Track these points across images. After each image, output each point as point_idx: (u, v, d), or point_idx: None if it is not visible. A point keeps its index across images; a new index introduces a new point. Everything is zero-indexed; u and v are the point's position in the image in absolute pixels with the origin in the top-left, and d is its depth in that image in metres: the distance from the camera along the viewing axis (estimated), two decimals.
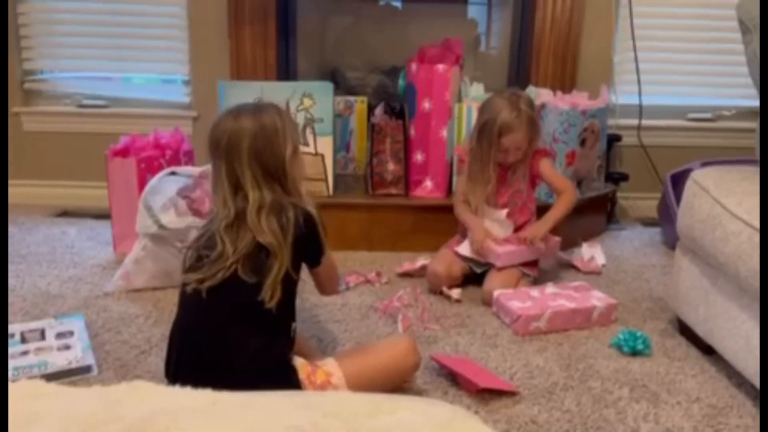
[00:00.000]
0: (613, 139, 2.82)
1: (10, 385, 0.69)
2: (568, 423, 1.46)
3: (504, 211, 2.16)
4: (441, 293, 2.09)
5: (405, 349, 1.52)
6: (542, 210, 2.22)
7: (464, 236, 2.19)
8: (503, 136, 2.06)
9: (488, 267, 2.12)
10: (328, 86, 2.45)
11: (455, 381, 1.60)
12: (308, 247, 1.43)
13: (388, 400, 0.77)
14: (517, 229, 2.19)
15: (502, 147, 2.08)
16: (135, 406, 0.67)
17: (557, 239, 2.19)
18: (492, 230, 2.16)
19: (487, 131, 2.08)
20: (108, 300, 2.00)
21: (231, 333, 1.35)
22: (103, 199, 2.43)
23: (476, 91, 2.51)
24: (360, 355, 1.52)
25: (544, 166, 2.17)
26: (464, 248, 2.16)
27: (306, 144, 2.42)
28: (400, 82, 2.63)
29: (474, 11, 3.06)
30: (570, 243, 2.39)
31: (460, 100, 2.49)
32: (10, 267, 2.23)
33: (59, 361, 1.60)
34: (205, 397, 0.70)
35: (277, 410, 0.68)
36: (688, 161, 2.44)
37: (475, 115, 2.34)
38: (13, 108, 2.93)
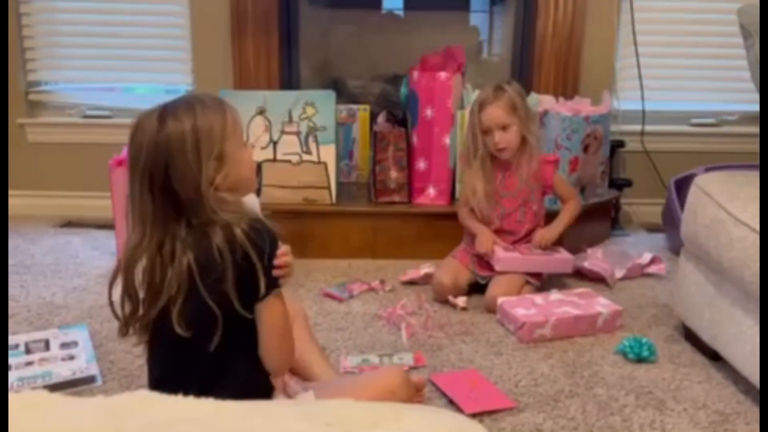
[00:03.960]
0: (616, 145, 2.81)
1: (13, 396, 0.69)
2: (573, 431, 1.45)
3: None
4: (447, 302, 2.08)
5: (392, 384, 1.33)
6: (550, 217, 2.23)
7: (470, 244, 2.19)
8: (482, 110, 2.08)
9: (492, 276, 2.12)
10: (331, 95, 2.45)
11: None
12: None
13: (391, 410, 0.76)
14: (526, 237, 2.19)
15: (483, 126, 2.08)
16: (137, 417, 0.66)
17: (570, 257, 2.17)
18: None
19: (471, 116, 2.11)
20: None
21: None
22: (107, 209, 2.43)
23: None
24: (341, 389, 1.34)
25: (557, 177, 2.22)
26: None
27: (308, 152, 2.43)
28: (403, 90, 2.63)
29: (476, 19, 3.07)
30: (574, 249, 2.38)
31: (462, 107, 2.49)
32: (15, 277, 2.23)
33: (63, 371, 1.60)
34: (208, 406, 0.70)
35: (279, 420, 0.67)
36: (692, 167, 2.43)
37: None
38: (18, 119, 2.94)
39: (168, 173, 1.15)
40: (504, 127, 2.08)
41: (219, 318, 1.16)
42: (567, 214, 2.20)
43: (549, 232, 2.14)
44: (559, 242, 2.19)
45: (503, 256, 2.08)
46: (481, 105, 2.09)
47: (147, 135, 1.16)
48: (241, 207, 1.22)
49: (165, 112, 1.17)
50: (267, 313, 1.20)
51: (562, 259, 2.16)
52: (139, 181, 1.16)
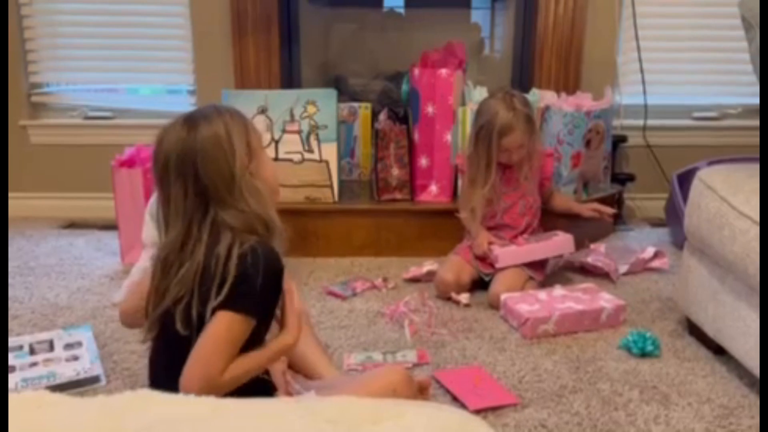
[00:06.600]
0: (619, 140, 2.81)
1: (14, 397, 0.70)
2: (577, 426, 1.45)
3: None
4: (450, 299, 2.08)
5: (394, 382, 1.32)
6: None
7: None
8: (504, 137, 2.06)
9: (495, 273, 2.11)
10: (332, 93, 2.45)
11: None
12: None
13: (393, 406, 0.76)
14: (525, 230, 2.19)
15: (503, 148, 2.08)
16: (138, 416, 0.67)
17: (569, 236, 2.17)
18: None
19: (485, 134, 2.09)
20: (116, 310, 2.00)
21: None
22: (110, 210, 2.44)
23: (480, 95, 2.50)
24: (343, 388, 1.31)
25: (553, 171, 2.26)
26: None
27: (310, 151, 2.43)
28: (404, 87, 2.63)
29: (477, 15, 3.07)
30: (577, 245, 2.38)
31: (463, 104, 2.48)
32: (19, 279, 2.24)
33: (68, 372, 1.61)
34: (208, 405, 0.70)
35: (280, 417, 0.67)
36: (695, 160, 2.43)
37: None
38: (20, 121, 2.95)
39: (197, 171, 1.18)
40: (523, 146, 2.10)
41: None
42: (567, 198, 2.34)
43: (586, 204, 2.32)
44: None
45: (501, 252, 2.08)
46: (502, 133, 2.06)
47: (175, 140, 1.20)
48: (268, 208, 1.23)
49: (192, 118, 1.22)
50: (213, 322, 1.16)
51: (561, 241, 2.16)
52: (174, 183, 1.19)
